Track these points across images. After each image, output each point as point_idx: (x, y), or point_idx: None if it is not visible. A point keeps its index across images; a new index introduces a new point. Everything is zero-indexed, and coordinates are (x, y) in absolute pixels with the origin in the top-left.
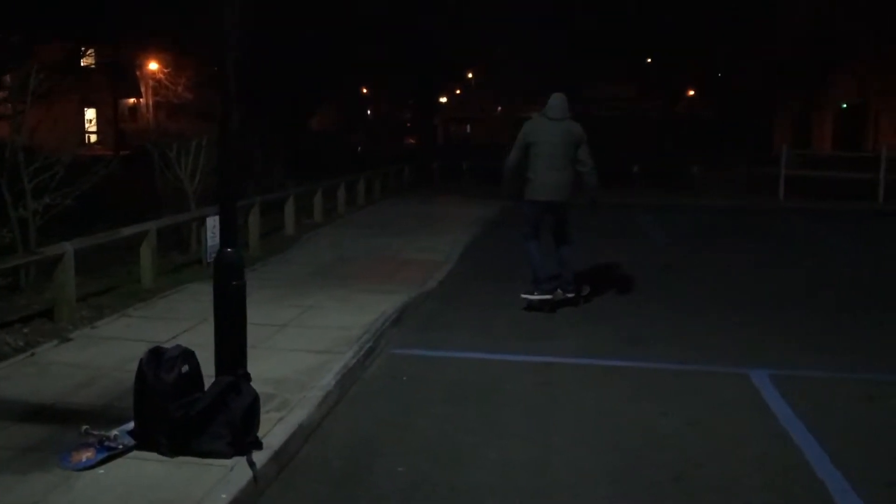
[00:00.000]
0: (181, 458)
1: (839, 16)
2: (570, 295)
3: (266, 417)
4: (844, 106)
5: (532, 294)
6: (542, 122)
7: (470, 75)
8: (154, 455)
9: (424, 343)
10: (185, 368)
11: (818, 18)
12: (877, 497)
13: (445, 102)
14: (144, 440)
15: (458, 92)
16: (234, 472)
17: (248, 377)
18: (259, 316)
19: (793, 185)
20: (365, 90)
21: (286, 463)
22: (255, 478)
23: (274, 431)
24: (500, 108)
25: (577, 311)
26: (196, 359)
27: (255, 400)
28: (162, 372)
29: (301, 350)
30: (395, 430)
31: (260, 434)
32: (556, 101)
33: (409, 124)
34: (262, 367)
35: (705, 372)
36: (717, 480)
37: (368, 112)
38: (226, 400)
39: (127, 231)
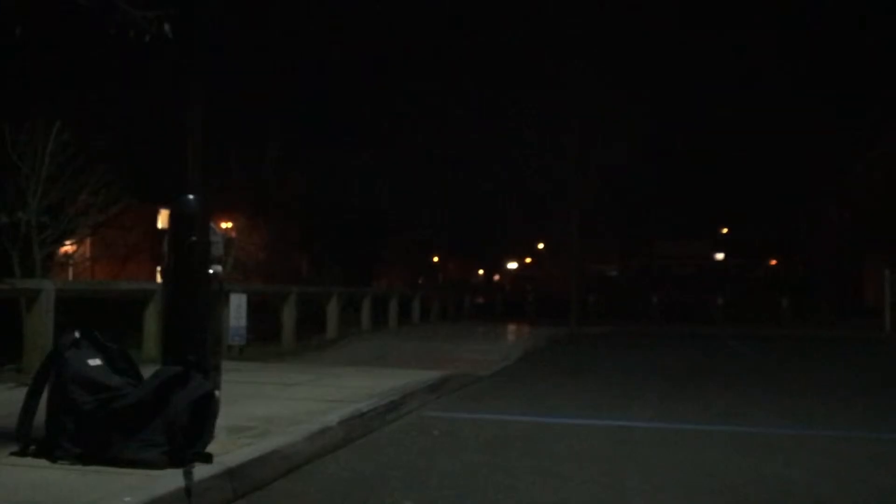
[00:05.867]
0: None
1: None
2: None
3: (231, 440)
4: None
5: None
6: None
7: (541, 245)
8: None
9: (465, 408)
10: (116, 355)
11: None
12: None
13: (516, 268)
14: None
15: (528, 260)
16: (159, 480)
17: (201, 366)
18: (268, 377)
19: None
20: (436, 258)
21: (248, 490)
22: (188, 490)
23: (237, 452)
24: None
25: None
26: (132, 359)
27: (206, 396)
28: (79, 352)
29: (308, 399)
30: (411, 472)
31: (219, 453)
32: None
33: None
34: (251, 409)
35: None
36: None
37: (440, 277)
38: (167, 396)
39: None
